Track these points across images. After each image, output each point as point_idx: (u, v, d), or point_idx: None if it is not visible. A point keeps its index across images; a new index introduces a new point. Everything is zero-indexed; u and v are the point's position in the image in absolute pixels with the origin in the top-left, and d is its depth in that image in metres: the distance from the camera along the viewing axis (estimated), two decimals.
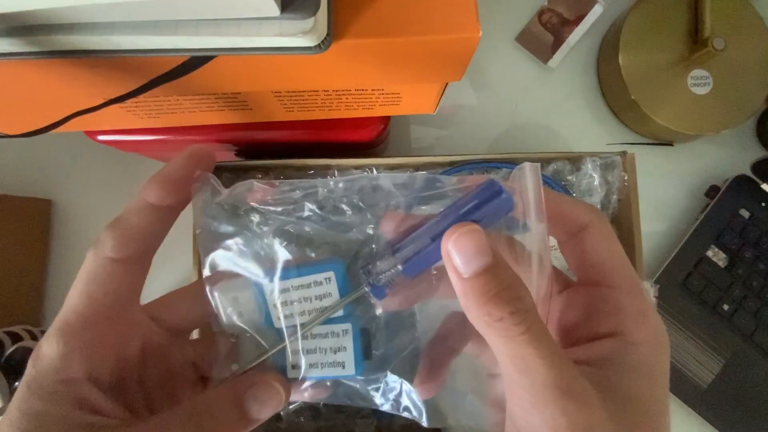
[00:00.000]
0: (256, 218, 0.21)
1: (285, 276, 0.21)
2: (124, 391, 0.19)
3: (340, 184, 0.21)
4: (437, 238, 0.18)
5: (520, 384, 0.15)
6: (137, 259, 0.19)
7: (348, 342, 0.21)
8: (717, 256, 0.50)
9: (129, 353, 0.19)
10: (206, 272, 0.21)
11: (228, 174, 0.44)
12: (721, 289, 0.49)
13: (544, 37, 0.54)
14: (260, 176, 0.43)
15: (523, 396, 0.15)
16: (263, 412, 0.19)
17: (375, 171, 0.42)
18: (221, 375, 0.20)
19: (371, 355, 0.21)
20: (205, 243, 0.21)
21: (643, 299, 0.18)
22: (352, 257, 0.21)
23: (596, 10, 0.53)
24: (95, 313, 0.18)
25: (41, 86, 0.26)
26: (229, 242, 0.21)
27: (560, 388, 0.15)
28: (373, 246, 0.21)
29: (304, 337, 0.21)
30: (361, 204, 0.21)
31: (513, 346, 0.15)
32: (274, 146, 0.42)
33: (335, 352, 0.21)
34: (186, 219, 0.21)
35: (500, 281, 0.16)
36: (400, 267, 0.19)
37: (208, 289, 0.21)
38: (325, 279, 0.20)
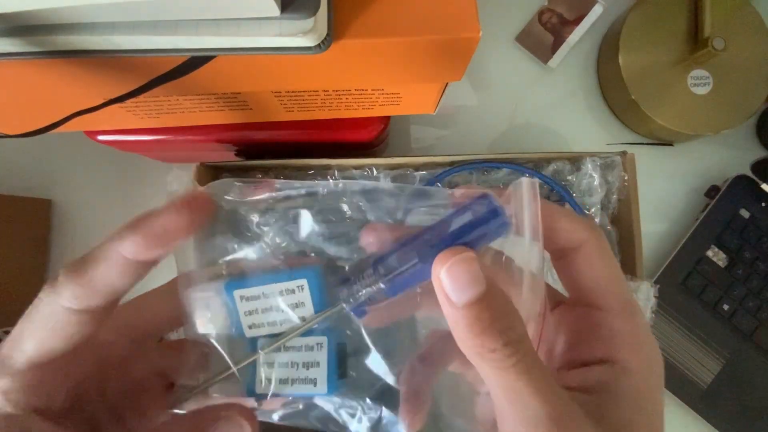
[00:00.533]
0: (231, 221, 0.20)
1: (254, 283, 0.19)
2: (80, 410, 0.18)
3: (339, 186, 0.20)
4: (425, 257, 0.17)
5: (513, 415, 0.15)
6: (98, 311, 0.17)
7: (322, 357, 0.20)
8: (717, 256, 0.50)
9: (83, 378, 0.18)
10: (181, 280, 0.20)
11: (228, 174, 0.44)
12: (721, 289, 0.49)
13: (544, 37, 0.54)
14: (260, 176, 0.43)
15: (515, 427, 0.15)
16: None
17: (375, 171, 0.42)
18: (188, 383, 0.19)
19: (347, 373, 0.20)
20: (177, 247, 0.20)
21: (637, 323, 0.18)
22: (328, 263, 0.20)
23: (596, 10, 0.53)
24: (43, 356, 0.17)
25: (41, 86, 0.26)
26: (203, 246, 0.19)
27: (553, 420, 0.15)
28: (354, 256, 0.19)
29: (277, 350, 0.20)
30: (347, 210, 0.20)
31: (504, 377, 0.15)
32: (274, 146, 0.42)
33: (308, 368, 0.20)
34: None
35: (493, 311, 0.15)
36: (382, 285, 0.18)
37: (180, 295, 0.19)
38: (298, 287, 0.19)
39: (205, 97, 0.32)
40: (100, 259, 0.17)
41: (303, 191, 0.20)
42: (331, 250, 0.20)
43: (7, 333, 0.43)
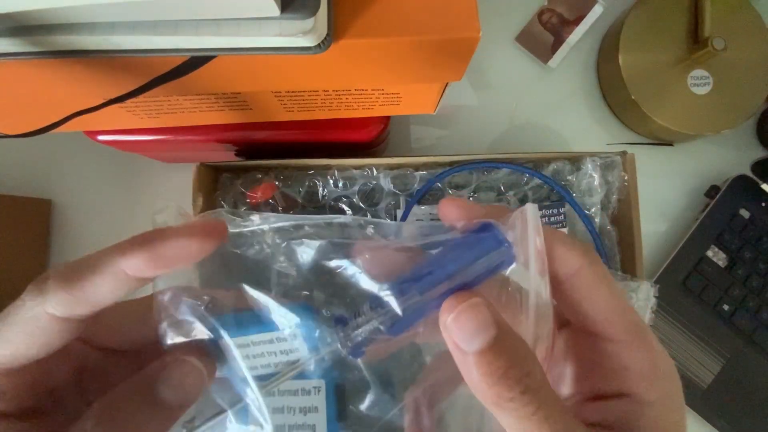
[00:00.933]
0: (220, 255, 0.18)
1: (241, 332, 0.18)
2: (57, 412, 0.17)
3: (335, 220, 0.18)
4: (429, 297, 0.16)
5: None
6: (82, 321, 0.16)
7: (320, 402, 0.18)
8: (717, 256, 0.50)
9: (57, 382, 0.18)
10: (161, 324, 0.18)
11: (228, 174, 0.44)
12: (721, 289, 0.49)
13: (544, 37, 0.54)
14: (260, 176, 0.43)
15: None
16: None
17: (375, 171, 0.42)
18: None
19: (346, 415, 0.19)
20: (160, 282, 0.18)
21: (649, 352, 0.17)
22: (323, 297, 0.18)
23: (596, 10, 0.53)
24: (17, 362, 0.16)
25: (41, 86, 0.26)
26: (186, 285, 0.18)
27: None
28: (350, 293, 0.18)
29: (270, 394, 0.18)
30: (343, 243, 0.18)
31: (525, 426, 0.14)
32: (274, 146, 0.42)
33: (305, 413, 0.18)
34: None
35: (508, 357, 0.15)
36: (381, 327, 0.16)
37: (162, 337, 0.18)
38: (290, 335, 0.18)
39: (205, 97, 0.32)
40: (96, 269, 0.16)
41: (295, 222, 0.18)
42: (326, 285, 0.18)
43: None
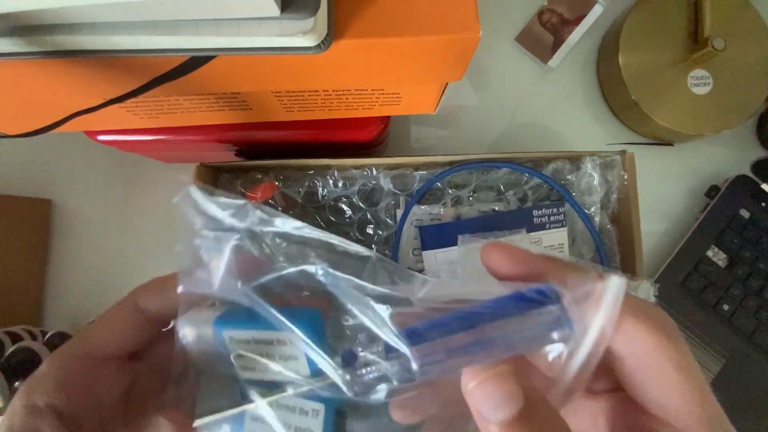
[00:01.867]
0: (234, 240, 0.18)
1: (245, 325, 0.18)
2: (92, 416, 0.19)
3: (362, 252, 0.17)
4: (456, 356, 0.14)
5: None
6: (158, 322, 0.20)
7: (317, 426, 0.18)
8: (717, 256, 0.50)
9: (107, 398, 0.20)
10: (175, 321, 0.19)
11: (228, 174, 0.44)
12: (721, 289, 0.49)
13: (544, 37, 0.54)
14: (260, 176, 0.43)
15: None
16: None
17: (375, 171, 0.42)
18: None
19: None
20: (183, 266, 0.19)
21: None
22: (333, 315, 0.18)
23: (596, 10, 0.53)
24: (107, 349, 0.19)
25: (41, 86, 0.26)
26: (202, 273, 0.18)
27: None
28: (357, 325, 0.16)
29: (269, 405, 0.18)
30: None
31: None
32: (274, 146, 0.42)
33: None
34: None
35: (535, 430, 0.13)
36: (394, 380, 0.15)
37: (175, 334, 0.19)
38: (289, 340, 0.17)
39: (205, 97, 0.32)
40: (169, 275, 0.20)
41: (316, 236, 0.17)
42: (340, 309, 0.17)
43: (7, 333, 0.42)
